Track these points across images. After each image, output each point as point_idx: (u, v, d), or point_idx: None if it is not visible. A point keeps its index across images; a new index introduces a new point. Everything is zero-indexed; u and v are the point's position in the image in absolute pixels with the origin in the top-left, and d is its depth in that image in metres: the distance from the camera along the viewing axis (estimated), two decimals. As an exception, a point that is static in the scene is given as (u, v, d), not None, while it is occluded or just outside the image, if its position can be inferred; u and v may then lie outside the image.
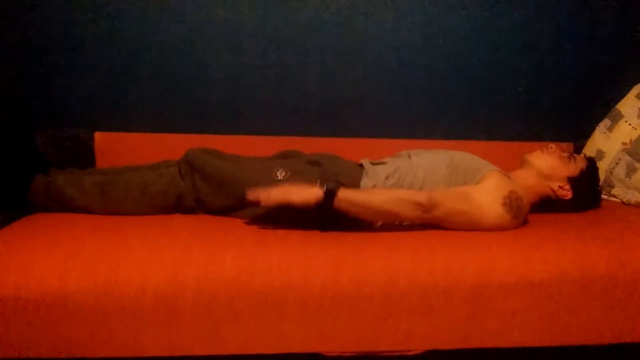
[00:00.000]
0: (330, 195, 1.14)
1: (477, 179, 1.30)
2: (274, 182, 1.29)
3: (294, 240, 1.13)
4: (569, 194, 1.40)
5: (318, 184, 1.17)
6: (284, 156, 1.45)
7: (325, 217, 1.17)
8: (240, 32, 1.70)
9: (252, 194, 1.16)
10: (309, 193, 1.15)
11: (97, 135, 1.65)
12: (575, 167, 1.42)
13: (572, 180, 1.41)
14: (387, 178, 1.33)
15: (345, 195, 1.15)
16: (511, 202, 1.23)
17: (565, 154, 1.43)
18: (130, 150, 1.63)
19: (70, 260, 1.00)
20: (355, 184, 1.31)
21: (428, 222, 1.21)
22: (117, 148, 1.64)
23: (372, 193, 1.23)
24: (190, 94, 1.72)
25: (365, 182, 1.32)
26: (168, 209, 1.33)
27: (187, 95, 1.72)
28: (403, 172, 1.34)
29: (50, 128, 1.58)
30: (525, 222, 1.31)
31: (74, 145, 1.59)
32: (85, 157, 1.61)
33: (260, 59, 1.72)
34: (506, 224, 1.23)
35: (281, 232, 1.19)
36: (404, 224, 1.26)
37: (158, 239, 1.10)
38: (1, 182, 1.27)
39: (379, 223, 1.24)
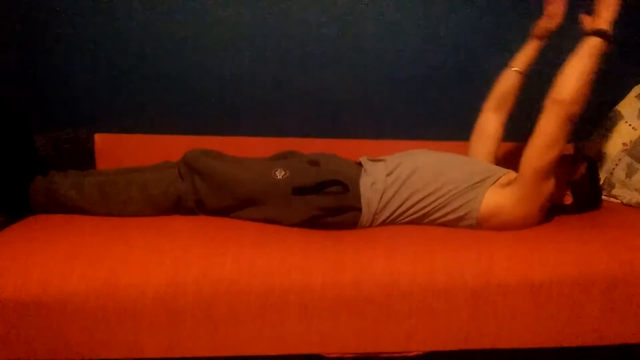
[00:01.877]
0: (601, 33, 1.24)
1: (493, 179, 1.31)
2: (273, 181, 1.29)
3: (294, 241, 1.13)
4: (569, 199, 1.40)
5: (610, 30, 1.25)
6: (283, 156, 1.45)
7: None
8: (240, 32, 1.70)
9: None
10: (602, 21, 1.26)
11: (97, 137, 1.65)
12: (576, 171, 1.41)
13: (572, 185, 1.40)
14: (388, 175, 1.32)
15: (595, 46, 1.24)
16: (550, 200, 1.29)
17: (567, 158, 1.42)
18: (130, 152, 1.63)
19: (70, 261, 1.00)
20: (354, 182, 1.31)
21: (545, 111, 1.26)
22: (117, 149, 1.65)
23: (588, 71, 1.25)
24: (190, 95, 1.72)
25: (364, 179, 1.32)
26: (168, 210, 1.33)
27: (187, 96, 1.72)
28: (406, 170, 1.32)
29: (50, 130, 1.58)
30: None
31: (74, 146, 1.59)
32: (85, 159, 1.61)
33: (260, 60, 1.72)
34: (531, 207, 1.26)
35: (281, 233, 1.19)
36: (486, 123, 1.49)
37: (158, 241, 1.10)
38: (1, 184, 1.27)
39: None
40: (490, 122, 1.56)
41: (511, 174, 1.34)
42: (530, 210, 1.26)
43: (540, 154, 1.24)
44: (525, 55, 1.54)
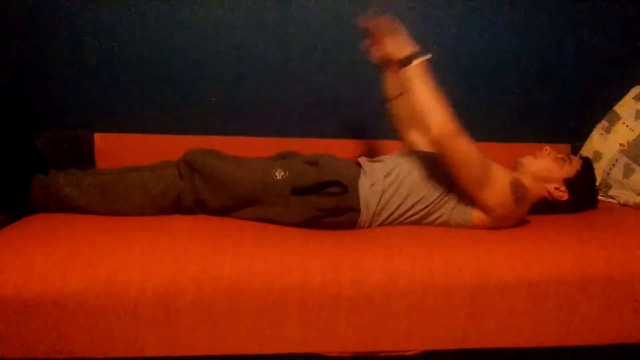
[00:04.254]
0: (407, 60, 1.22)
1: None
2: (272, 181, 1.30)
3: (294, 241, 1.13)
4: (565, 195, 1.40)
5: (416, 50, 1.24)
6: (282, 157, 1.46)
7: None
8: (240, 32, 1.71)
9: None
10: (401, 49, 1.24)
11: (97, 137, 1.66)
12: (571, 168, 1.42)
13: (567, 181, 1.41)
14: (386, 176, 1.33)
15: (414, 72, 1.22)
16: (517, 186, 1.26)
17: (561, 156, 1.43)
18: (129, 151, 1.64)
19: (70, 260, 1.00)
20: (353, 183, 1.31)
21: (438, 149, 1.23)
22: (117, 149, 1.65)
23: (431, 91, 1.22)
24: (190, 94, 1.73)
25: (363, 180, 1.32)
26: (167, 209, 1.33)
27: (186, 96, 1.72)
28: (404, 171, 1.33)
29: (50, 129, 1.58)
30: (523, 222, 1.32)
31: (74, 146, 1.59)
32: (85, 158, 1.61)
33: (260, 59, 1.73)
34: (505, 206, 1.25)
35: (281, 233, 1.20)
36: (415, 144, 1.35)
37: (158, 240, 1.10)
38: (1, 183, 1.28)
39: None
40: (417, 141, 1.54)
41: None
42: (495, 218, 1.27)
43: (463, 174, 1.24)
44: (390, 83, 1.50)
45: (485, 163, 1.25)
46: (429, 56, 1.23)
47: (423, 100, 1.21)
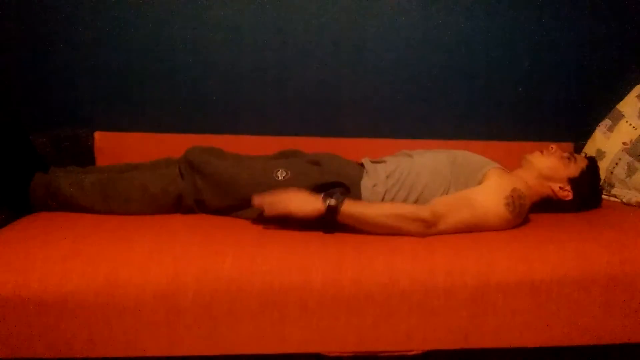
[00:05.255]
0: (332, 210, 1.15)
1: (479, 178, 1.30)
2: (274, 182, 1.29)
3: (294, 241, 1.13)
4: (569, 195, 1.40)
5: (322, 197, 1.17)
6: (285, 156, 1.45)
7: (327, 225, 1.18)
8: (240, 32, 1.70)
9: (258, 200, 1.19)
10: (311, 206, 1.16)
11: (97, 135, 1.65)
12: (576, 167, 1.42)
13: (572, 181, 1.40)
14: (387, 177, 1.33)
15: (348, 210, 1.16)
16: (514, 200, 1.23)
17: (566, 154, 1.43)
18: (130, 150, 1.63)
19: (71, 259, 1.00)
20: (355, 184, 1.31)
21: (432, 235, 1.20)
22: (117, 148, 1.65)
23: (375, 208, 1.20)
24: (191, 93, 1.72)
25: (365, 181, 1.32)
26: (168, 208, 1.33)
27: (187, 95, 1.72)
28: (405, 172, 1.33)
29: (50, 128, 1.58)
30: (525, 222, 1.31)
31: (74, 145, 1.59)
32: (85, 157, 1.61)
33: (260, 59, 1.72)
34: (508, 223, 1.24)
35: (281, 232, 1.19)
36: None
37: (158, 239, 1.10)
38: (1, 181, 1.27)
39: None
40: None
41: (491, 171, 1.32)
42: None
43: (464, 229, 1.21)
44: None
45: (470, 203, 1.22)
46: (335, 200, 1.15)
47: (382, 219, 1.16)
